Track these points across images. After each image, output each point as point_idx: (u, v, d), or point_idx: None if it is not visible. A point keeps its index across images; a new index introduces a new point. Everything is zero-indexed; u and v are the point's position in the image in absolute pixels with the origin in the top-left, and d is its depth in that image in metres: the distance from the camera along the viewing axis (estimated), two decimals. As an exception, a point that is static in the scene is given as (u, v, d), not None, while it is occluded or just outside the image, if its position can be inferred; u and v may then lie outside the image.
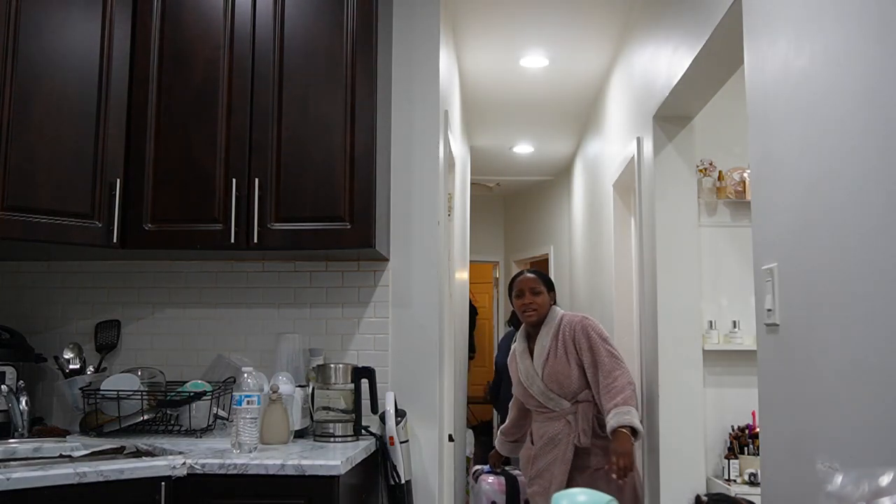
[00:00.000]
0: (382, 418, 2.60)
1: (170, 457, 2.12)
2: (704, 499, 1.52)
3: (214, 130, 2.55)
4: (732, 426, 3.68)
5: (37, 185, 2.37)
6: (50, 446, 2.39)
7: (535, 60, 4.53)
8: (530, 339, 3.20)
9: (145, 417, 2.53)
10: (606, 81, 4.77)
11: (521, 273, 3.29)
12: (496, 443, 3.56)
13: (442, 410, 2.99)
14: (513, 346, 3.36)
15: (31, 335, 2.80)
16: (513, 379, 3.26)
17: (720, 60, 2.61)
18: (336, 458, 2.14)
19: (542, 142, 6.41)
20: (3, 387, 2.49)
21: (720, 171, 3.90)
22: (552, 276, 5.86)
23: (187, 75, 2.58)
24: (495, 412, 8.14)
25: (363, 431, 2.57)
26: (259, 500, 2.09)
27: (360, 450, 2.36)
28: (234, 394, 2.28)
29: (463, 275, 5.04)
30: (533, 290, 3.14)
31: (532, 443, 3.18)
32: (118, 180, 2.51)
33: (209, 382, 2.60)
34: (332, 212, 2.50)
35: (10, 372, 2.57)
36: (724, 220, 3.88)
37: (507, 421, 3.48)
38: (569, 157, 6.83)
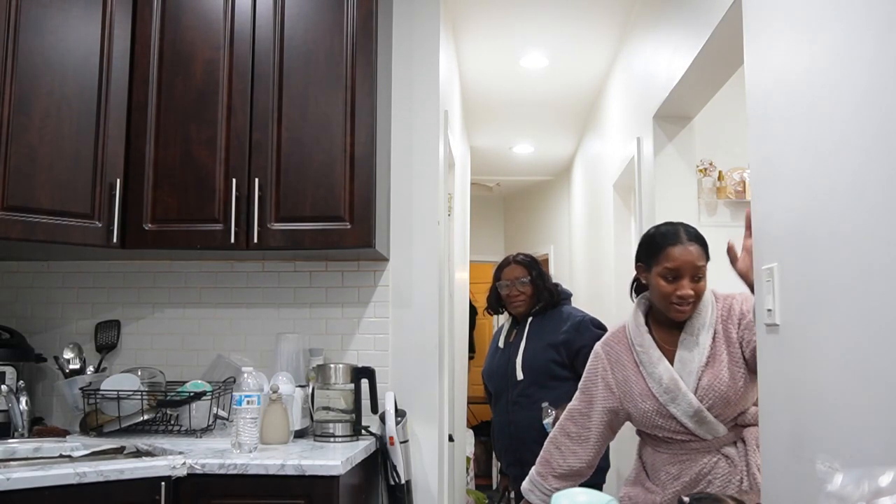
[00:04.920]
0: (382, 418, 2.60)
1: (170, 457, 2.12)
2: (686, 500, 1.45)
3: (214, 130, 2.55)
4: (732, 426, 3.67)
5: (37, 185, 2.37)
6: (50, 446, 2.39)
7: (535, 60, 4.53)
8: (659, 332, 2.11)
9: (145, 417, 2.53)
10: (606, 81, 4.77)
11: (674, 235, 2.04)
12: (535, 493, 2.18)
13: (442, 410, 2.99)
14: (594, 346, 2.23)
15: (31, 335, 2.80)
16: (609, 396, 2.12)
17: (720, 60, 2.61)
18: (336, 458, 2.14)
19: (542, 142, 6.41)
20: (3, 387, 2.49)
21: (720, 171, 3.90)
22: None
23: (187, 75, 2.58)
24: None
25: (363, 431, 2.57)
26: (259, 500, 2.09)
27: (360, 450, 2.36)
28: (234, 394, 2.28)
29: (463, 275, 5.04)
30: (697, 272, 2.01)
31: (648, 478, 2.12)
32: (118, 180, 2.51)
33: (209, 382, 2.60)
34: (332, 212, 2.50)
35: (10, 372, 2.57)
36: (724, 220, 3.88)
37: (564, 454, 2.15)
38: (569, 157, 6.83)
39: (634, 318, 2.12)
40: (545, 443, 2.26)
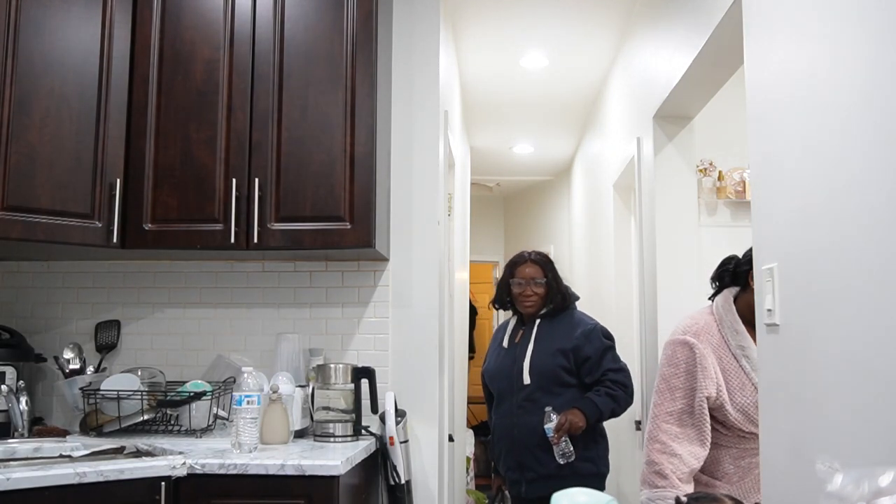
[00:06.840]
0: (382, 418, 2.60)
1: (170, 457, 2.12)
2: (684, 499, 1.46)
3: (214, 130, 2.55)
4: (732, 426, 3.67)
5: (37, 185, 2.37)
6: (50, 446, 2.39)
7: (535, 60, 4.53)
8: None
9: (145, 417, 2.53)
10: (606, 81, 4.77)
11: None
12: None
13: (442, 410, 2.99)
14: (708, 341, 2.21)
15: (31, 335, 2.80)
16: (709, 384, 2.13)
17: (720, 60, 2.61)
18: (336, 458, 2.14)
19: (542, 142, 6.41)
20: (3, 387, 2.50)
21: (720, 171, 3.91)
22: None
23: (187, 75, 2.58)
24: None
25: (363, 431, 2.57)
26: (259, 499, 2.09)
27: (360, 450, 2.36)
28: (234, 394, 2.29)
29: (463, 275, 5.04)
30: None
31: (714, 478, 2.18)
32: (118, 180, 2.51)
33: (209, 382, 2.60)
34: (332, 212, 2.50)
35: (10, 372, 2.57)
36: (724, 220, 3.88)
37: (683, 459, 2.11)
38: (569, 157, 6.83)
39: (729, 315, 2.19)
40: (650, 456, 2.15)
